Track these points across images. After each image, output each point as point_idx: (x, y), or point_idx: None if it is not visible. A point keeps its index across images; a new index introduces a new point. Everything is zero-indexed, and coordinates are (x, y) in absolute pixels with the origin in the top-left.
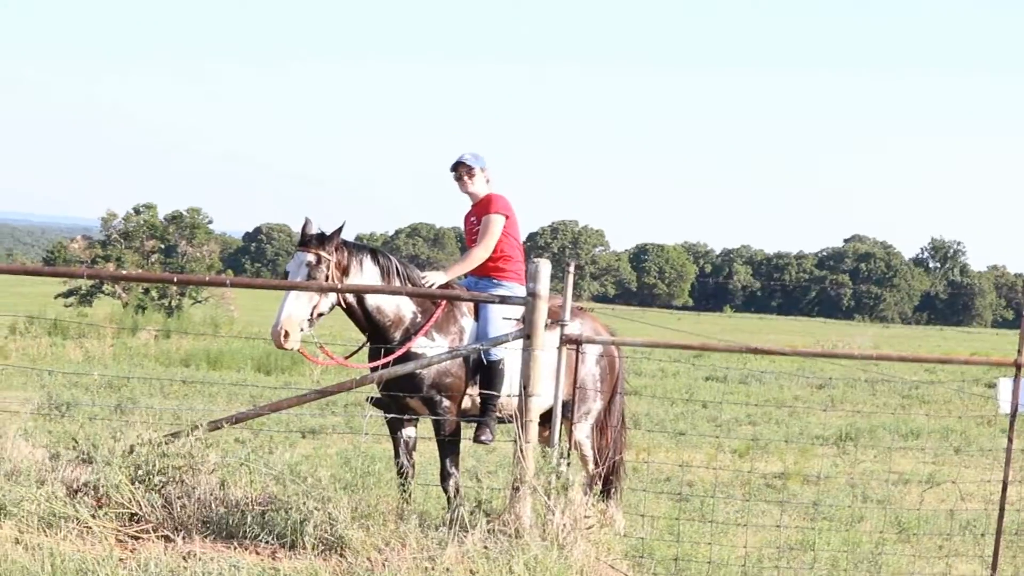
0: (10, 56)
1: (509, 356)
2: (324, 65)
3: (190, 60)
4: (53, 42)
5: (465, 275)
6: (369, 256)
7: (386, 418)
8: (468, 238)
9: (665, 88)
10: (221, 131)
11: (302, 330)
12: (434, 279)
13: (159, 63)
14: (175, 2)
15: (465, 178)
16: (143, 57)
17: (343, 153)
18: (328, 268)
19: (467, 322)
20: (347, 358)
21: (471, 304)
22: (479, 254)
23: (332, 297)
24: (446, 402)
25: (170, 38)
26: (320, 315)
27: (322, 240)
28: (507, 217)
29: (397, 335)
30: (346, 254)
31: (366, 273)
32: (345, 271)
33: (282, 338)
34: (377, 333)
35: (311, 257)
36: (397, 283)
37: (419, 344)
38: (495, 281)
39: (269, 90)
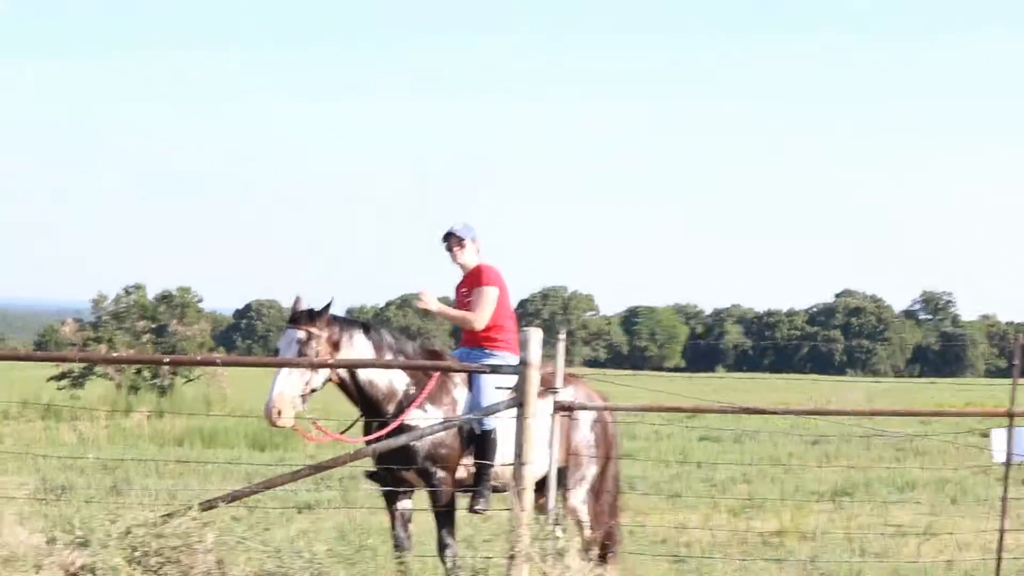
0: None
1: (502, 425)
2: (302, 147)
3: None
4: (28, 126)
5: (457, 346)
6: (360, 330)
7: (382, 491)
8: (459, 307)
9: (648, 150)
10: (205, 207)
11: (295, 407)
12: (426, 301)
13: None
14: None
15: (455, 249)
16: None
17: (329, 226)
18: (318, 344)
19: (460, 393)
20: (342, 433)
21: (464, 375)
22: (472, 318)
23: (324, 372)
24: (441, 473)
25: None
26: (313, 391)
27: (312, 316)
28: (500, 289)
29: (391, 408)
30: (337, 329)
31: (357, 347)
32: (336, 346)
33: (275, 415)
34: (371, 407)
35: (301, 334)
36: (389, 356)
37: (413, 416)
38: (487, 351)
39: (249, 168)
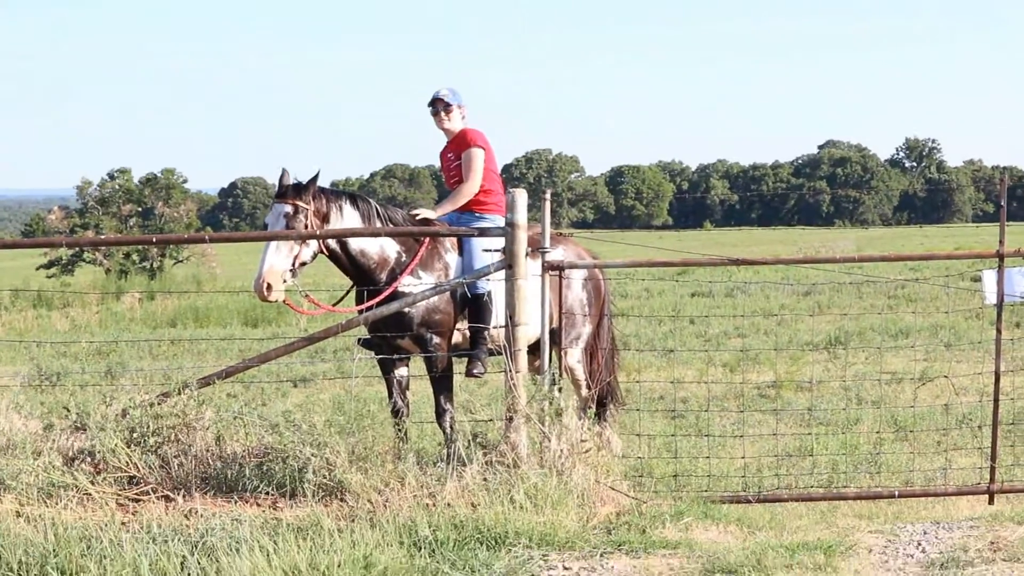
0: None
1: (496, 288)
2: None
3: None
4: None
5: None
6: (348, 201)
7: (378, 359)
8: (446, 175)
9: (629, 6)
10: (185, 86)
11: (285, 281)
12: (425, 215)
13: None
14: None
15: (442, 114)
16: (98, 23)
17: (311, 97)
18: (307, 217)
19: (452, 258)
20: (335, 304)
21: (455, 240)
22: (468, 189)
23: (314, 245)
24: (436, 339)
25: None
26: (303, 264)
27: (299, 190)
28: (485, 150)
29: (383, 276)
30: (324, 201)
31: (347, 218)
32: (325, 218)
33: (265, 290)
34: (363, 276)
35: (288, 208)
36: (379, 223)
37: (405, 283)
38: (477, 215)
39: (227, 51)
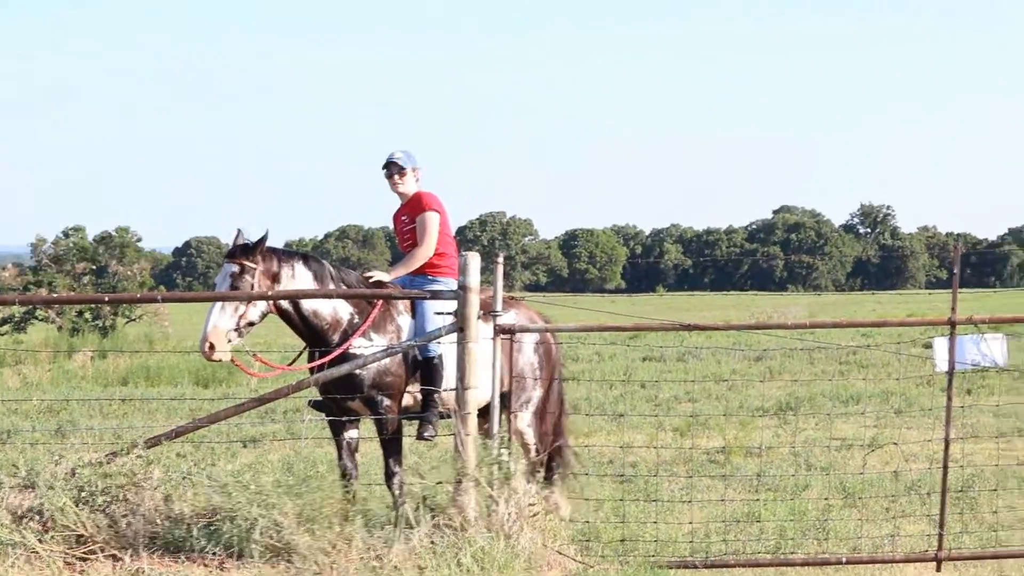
0: None
1: (448, 351)
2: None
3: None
4: None
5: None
6: (301, 261)
7: (328, 421)
8: (400, 237)
9: (580, 70)
10: (140, 147)
11: (230, 340)
12: (379, 277)
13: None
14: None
15: (396, 177)
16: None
17: (263, 157)
18: (254, 277)
19: (404, 320)
20: (288, 365)
21: (408, 302)
22: (422, 253)
23: (262, 306)
24: (387, 401)
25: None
26: (250, 324)
27: (247, 250)
28: (440, 214)
29: (336, 337)
30: (275, 261)
31: (299, 278)
32: (275, 278)
33: (208, 349)
34: (315, 337)
35: (235, 267)
36: (331, 287)
37: (357, 345)
38: (430, 278)
39: (181, 110)
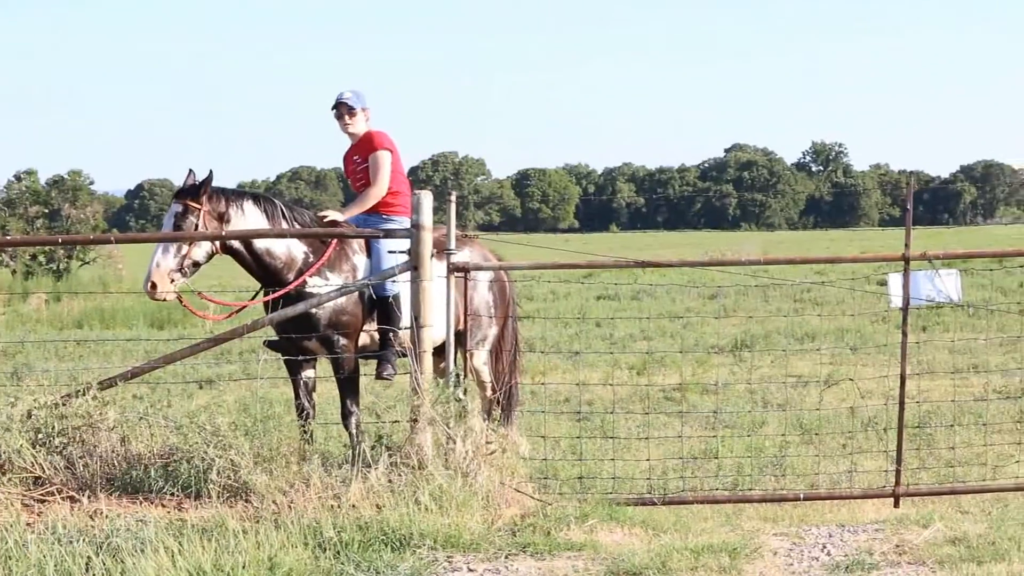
0: None
1: (404, 290)
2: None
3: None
4: None
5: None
6: (251, 200)
7: (284, 361)
8: (352, 178)
9: (534, 6)
10: (90, 86)
11: (172, 280)
12: (333, 216)
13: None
14: None
15: (347, 117)
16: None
17: (216, 99)
18: (198, 217)
19: (360, 260)
20: (242, 309)
21: (363, 242)
22: (376, 192)
23: (206, 246)
24: (343, 340)
25: None
26: (195, 264)
27: (192, 190)
28: (392, 152)
29: (291, 276)
30: (223, 201)
31: (249, 217)
32: (222, 218)
33: (149, 288)
34: (269, 277)
35: (178, 207)
36: (285, 224)
37: (313, 284)
38: (384, 216)
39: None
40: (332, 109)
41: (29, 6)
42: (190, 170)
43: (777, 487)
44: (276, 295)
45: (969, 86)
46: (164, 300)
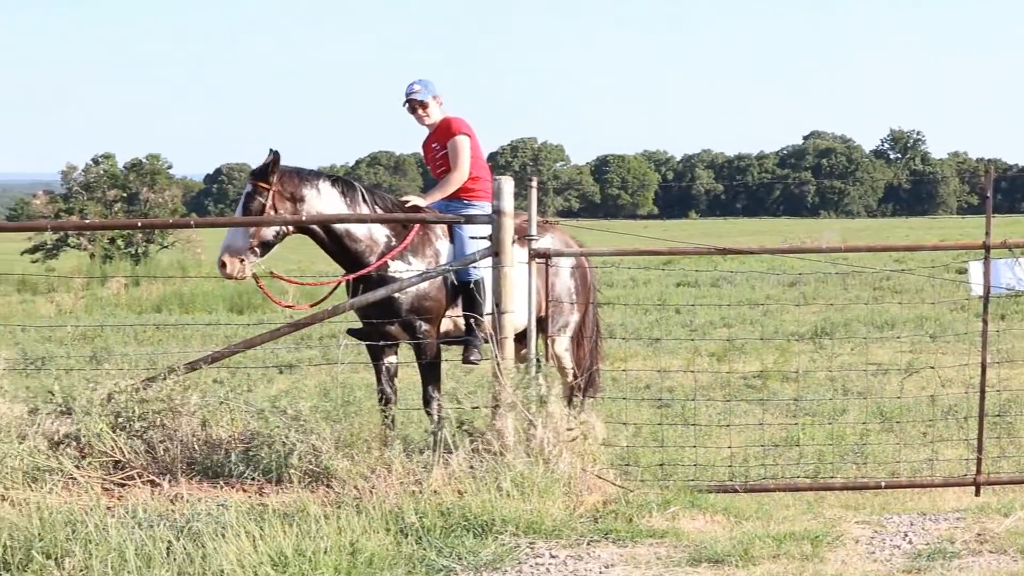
0: None
1: (487, 275)
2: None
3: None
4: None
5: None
6: (329, 182)
7: (366, 346)
8: (431, 165)
9: None
10: (171, 71)
11: (242, 260)
12: (415, 201)
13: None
14: None
15: (419, 111)
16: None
17: (297, 84)
18: (266, 197)
19: (443, 245)
20: (324, 298)
21: (446, 227)
22: (457, 177)
23: (275, 226)
24: (425, 326)
25: None
26: (265, 244)
27: (262, 171)
28: (471, 137)
29: (372, 259)
30: (295, 181)
31: (325, 197)
32: (295, 198)
33: (220, 268)
34: (350, 260)
35: (249, 187)
36: (364, 208)
37: (395, 268)
38: (466, 202)
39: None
40: (403, 105)
41: None
42: (271, 150)
43: (858, 475)
44: (355, 275)
45: None
46: (236, 279)
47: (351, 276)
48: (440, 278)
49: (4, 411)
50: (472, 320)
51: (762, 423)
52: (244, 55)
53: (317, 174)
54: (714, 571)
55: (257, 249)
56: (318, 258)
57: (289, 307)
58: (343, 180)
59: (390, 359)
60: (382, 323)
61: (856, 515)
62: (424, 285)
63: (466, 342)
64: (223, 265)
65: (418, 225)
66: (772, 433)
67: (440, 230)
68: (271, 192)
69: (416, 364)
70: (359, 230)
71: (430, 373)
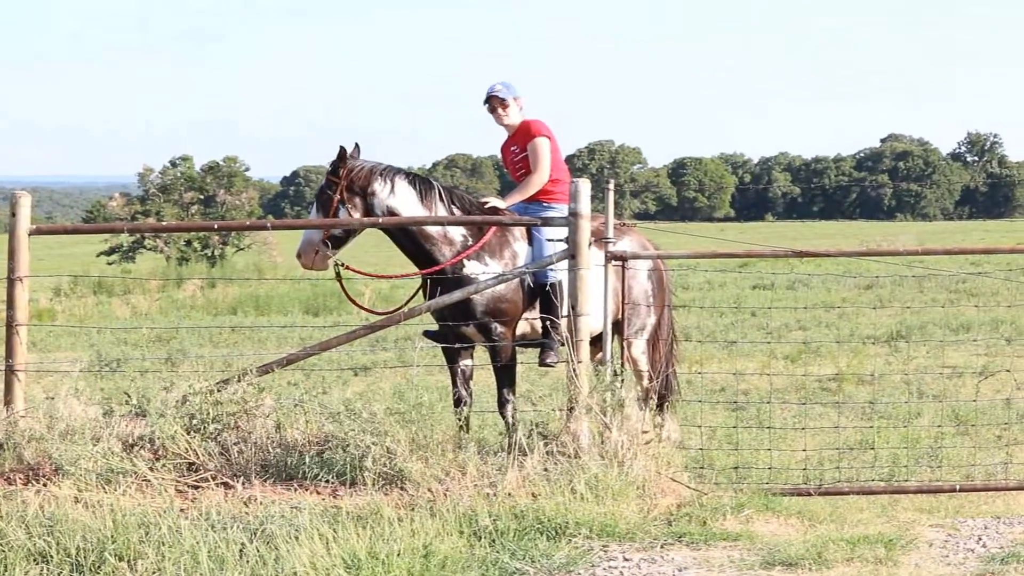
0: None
1: (565, 278)
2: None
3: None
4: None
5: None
6: (403, 177)
7: (442, 349)
8: (511, 168)
9: (684, 2)
10: (249, 74)
11: (317, 252)
12: (494, 203)
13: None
14: None
15: (499, 111)
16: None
17: (374, 87)
18: (335, 191)
19: (521, 247)
20: (405, 304)
21: (524, 229)
22: (538, 179)
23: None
24: (500, 328)
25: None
26: (334, 238)
27: (333, 165)
28: (550, 139)
29: (446, 254)
30: (366, 175)
31: (399, 194)
32: (365, 192)
33: (297, 258)
34: (423, 256)
35: (324, 182)
36: (441, 206)
37: (471, 268)
38: (544, 204)
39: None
40: (484, 104)
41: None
42: (355, 144)
43: (932, 478)
44: (428, 271)
45: None
46: (314, 269)
47: (424, 272)
48: (516, 280)
49: (79, 413)
50: (549, 323)
51: (837, 426)
52: (323, 57)
53: (394, 170)
54: (788, 574)
55: (328, 242)
56: (397, 257)
57: (364, 308)
58: (421, 178)
59: (466, 361)
60: (457, 325)
61: (930, 519)
62: (500, 287)
63: (543, 345)
64: (299, 255)
65: (494, 227)
66: (847, 436)
67: (519, 232)
68: (340, 186)
69: (491, 366)
70: (434, 228)
71: (505, 376)
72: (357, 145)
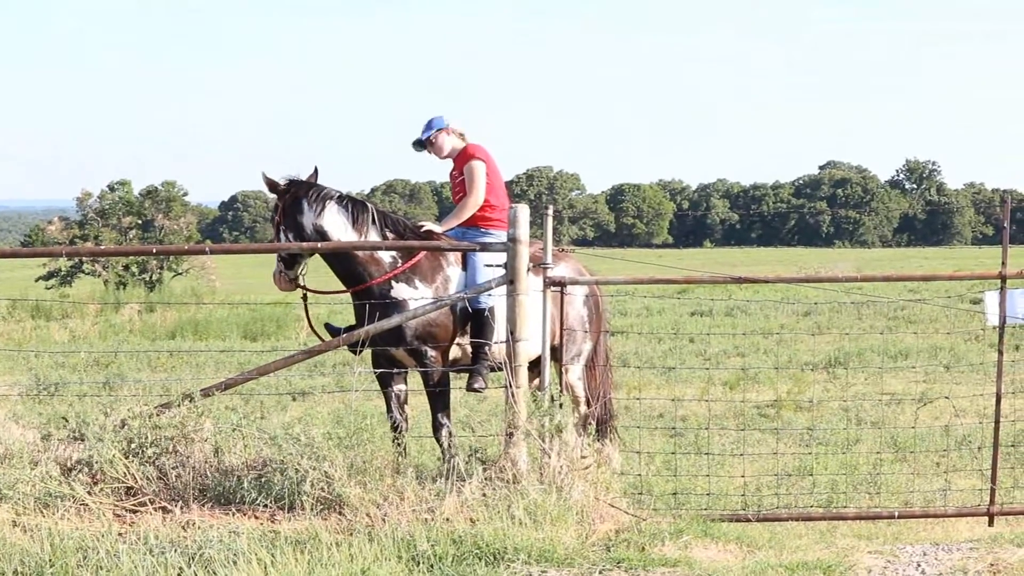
0: None
1: (499, 303)
2: (280, 23)
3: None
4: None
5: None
6: (335, 202)
7: (376, 373)
8: (454, 194)
9: (629, 23)
10: (185, 99)
11: (281, 274)
12: (430, 227)
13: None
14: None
15: (428, 150)
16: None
17: (311, 111)
18: (277, 212)
19: (453, 271)
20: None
21: (459, 254)
22: (471, 202)
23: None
24: (432, 352)
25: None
26: (282, 259)
27: (275, 188)
28: (486, 162)
29: (374, 273)
30: (294, 198)
31: (328, 216)
32: (295, 215)
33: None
34: (351, 276)
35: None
36: (373, 230)
37: (401, 292)
38: (482, 230)
39: (236, 64)
40: (416, 150)
41: (126, 20)
42: (314, 168)
43: (871, 505)
44: (353, 289)
45: None
46: (285, 291)
47: (350, 290)
48: (448, 305)
49: (17, 436)
50: (480, 348)
51: (775, 452)
52: (261, 82)
53: (328, 194)
54: None
55: (281, 264)
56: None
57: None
58: (355, 201)
59: (400, 386)
60: (387, 348)
61: (869, 545)
62: (431, 312)
63: (471, 371)
64: (274, 278)
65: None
66: (785, 462)
67: (452, 256)
68: (280, 207)
69: (425, 391)
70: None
71: (439, 400)
72: (316, 169)
